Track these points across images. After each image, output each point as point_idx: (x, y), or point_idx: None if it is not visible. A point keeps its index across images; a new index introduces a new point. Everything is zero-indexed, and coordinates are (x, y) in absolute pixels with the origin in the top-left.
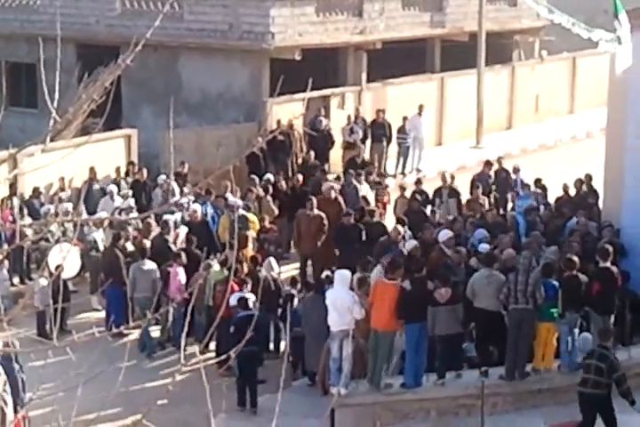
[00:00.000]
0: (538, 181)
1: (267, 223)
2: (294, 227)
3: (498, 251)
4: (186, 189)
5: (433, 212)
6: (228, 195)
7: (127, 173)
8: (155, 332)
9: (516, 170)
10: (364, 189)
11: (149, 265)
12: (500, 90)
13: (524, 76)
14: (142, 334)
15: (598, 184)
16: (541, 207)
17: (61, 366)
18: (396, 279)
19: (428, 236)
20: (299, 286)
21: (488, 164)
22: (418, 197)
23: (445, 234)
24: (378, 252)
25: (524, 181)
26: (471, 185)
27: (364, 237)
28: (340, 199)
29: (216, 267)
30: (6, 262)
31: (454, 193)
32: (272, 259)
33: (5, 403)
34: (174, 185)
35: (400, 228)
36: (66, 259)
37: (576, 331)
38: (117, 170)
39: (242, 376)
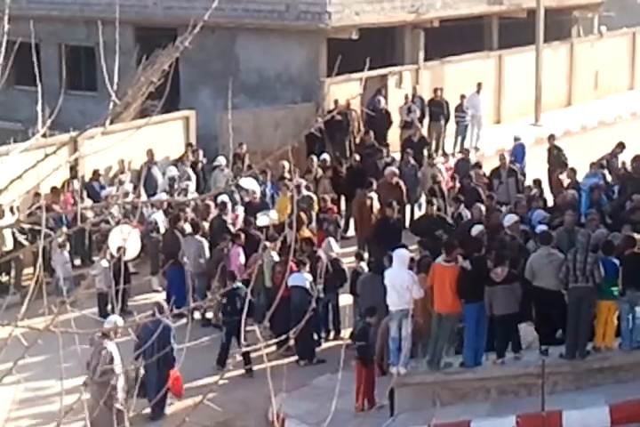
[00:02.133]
0: (601, 160)
1: (328, 203)
2: (355, 208)
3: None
4: (245, 169)
5: (489, 196)
6: (288, 175)
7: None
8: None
9: (558, 148)
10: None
11: (196, 238)
12: (559, 67)
13: (583, 52)
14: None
15: None
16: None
17: (123, 346)
18: (453, 261)
19: (494, 220)
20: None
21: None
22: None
23: (511, 218)
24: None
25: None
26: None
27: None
28: (402, 184)
29: (273, 254)
30: (68, 245)
31: (513, 172)
32: (331, 239)
33: (115, 390)
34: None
35: (482, 206)
36: (127, 241)
37: (637, 309)
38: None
39: (226, 341)
